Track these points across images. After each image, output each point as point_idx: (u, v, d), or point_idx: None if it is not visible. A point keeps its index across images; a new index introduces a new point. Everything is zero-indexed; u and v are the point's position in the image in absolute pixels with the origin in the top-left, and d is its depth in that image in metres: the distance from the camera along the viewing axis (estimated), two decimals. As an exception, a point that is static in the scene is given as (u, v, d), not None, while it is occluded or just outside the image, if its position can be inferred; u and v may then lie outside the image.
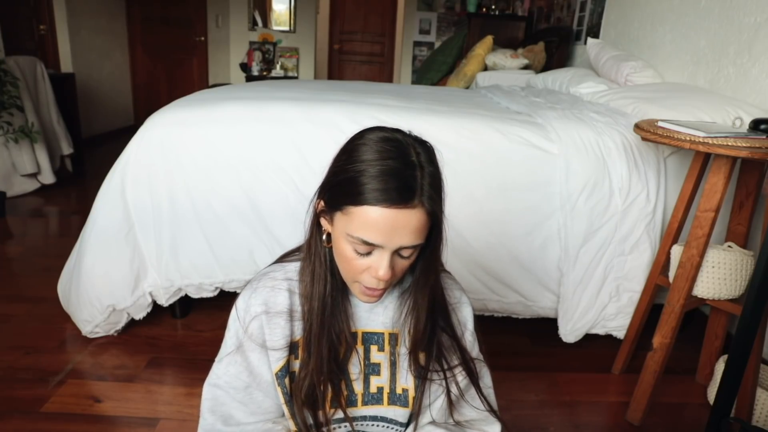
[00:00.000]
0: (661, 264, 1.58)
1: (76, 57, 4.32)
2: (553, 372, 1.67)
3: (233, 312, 0.78)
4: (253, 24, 5.72)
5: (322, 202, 0.71)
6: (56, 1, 4.10)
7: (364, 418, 0.79)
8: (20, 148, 3.05)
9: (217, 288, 1.69)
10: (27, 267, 2.20)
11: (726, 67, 1.97)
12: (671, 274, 1.49)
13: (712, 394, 1.53)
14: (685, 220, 1.54)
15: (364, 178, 0.63)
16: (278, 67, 5.63)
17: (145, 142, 1.63)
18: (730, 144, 1.25)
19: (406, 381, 0.80)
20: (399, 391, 0.79)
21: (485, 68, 3.79)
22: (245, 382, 0.77)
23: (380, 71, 6.18)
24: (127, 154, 1.63)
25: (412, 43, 5.80)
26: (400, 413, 0.80)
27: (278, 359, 0.75)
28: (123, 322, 1.67)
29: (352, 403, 0.78)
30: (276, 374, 0.75)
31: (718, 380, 1.30)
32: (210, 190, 1.61)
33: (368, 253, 0.67)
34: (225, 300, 1.30)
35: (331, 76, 6.18)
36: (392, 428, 0.81)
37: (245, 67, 5.50)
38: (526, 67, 3.69)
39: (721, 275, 1.42)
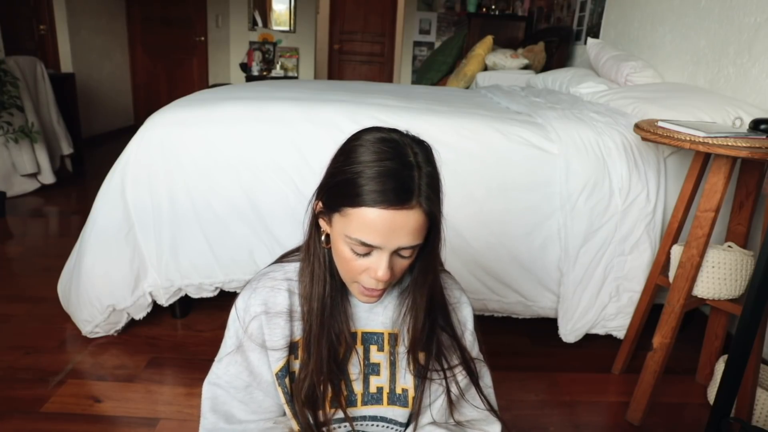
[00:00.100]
0: (661, 264, 1.58)
1: (76, 57, 4.32)
2: (553, 372, 1.67)
3: (233, 312, 0.78)
4: (253, 24, 5.71)
5: (320, 204, 0.71)
6: (56, 1, 4.10)
7: (363, 418, 0.79)
8: (20, 148, 3.06)
9: (217, 288, 1.69)
10: (27, 267, 2.20)
11: (726, 67, 1.97)
12: (671, 274, 1.49)
13: (712, 394, 1.53)
14: (685, 220, 1.54)
15: (362, 180, 0.63)
16: (278, 67, 5.62)
17: (145, 142, 1.63)
18: (730, 144, 1.25)
19: (406, 381, 0.79)
20: (399, 391, 0.79)
21: (485, 68, 3.79)
22: (245, 382, 0.77)
23: (380, 71, 6.18)
24: (127, 154, 1.64)
25: (412, 43, 5.79)
26: (400, 413, 0.80)
27: (278, 359, 0.75)
28: (123, 322, 1.67)
29: (351, 403, 0.78)
30: (276, 374, 0.75)
31: (718, 380, 1.30)
32: (210, 190, 1.61)
33: (367, 254, 0.67)
34: (225, 300, 1.30)
35: (331, 76, 6.17)
36: (392, 428, 0.81)
37: (245, 67, 5.50)
38: (526, 67, 3.69)
39: (721, 275, 1.42)
